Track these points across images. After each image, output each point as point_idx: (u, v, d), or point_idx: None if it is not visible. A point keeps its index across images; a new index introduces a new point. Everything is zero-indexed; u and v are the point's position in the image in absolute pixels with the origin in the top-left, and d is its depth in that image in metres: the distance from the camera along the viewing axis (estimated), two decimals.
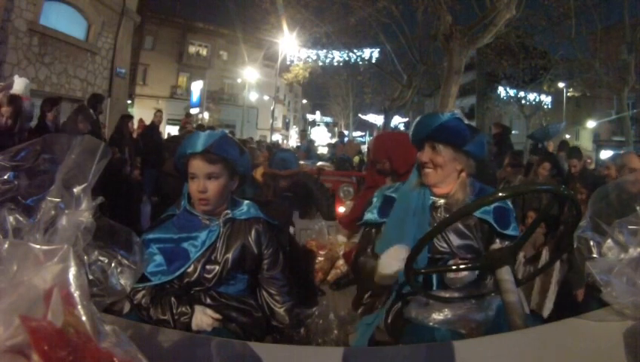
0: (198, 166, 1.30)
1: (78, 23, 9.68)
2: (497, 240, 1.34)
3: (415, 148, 2.45)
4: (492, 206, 1.31)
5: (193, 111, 17.51)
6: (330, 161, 6.62)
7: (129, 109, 16.25)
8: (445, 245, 1.30)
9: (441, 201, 1.35)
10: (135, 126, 6.81)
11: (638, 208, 0.89)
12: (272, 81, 20.85)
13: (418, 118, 1.44)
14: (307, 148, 8.04)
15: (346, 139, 11.65)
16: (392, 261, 1.19)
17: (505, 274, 1.06)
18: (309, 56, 16.70)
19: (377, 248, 1.36)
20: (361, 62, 16.49)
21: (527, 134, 5.56)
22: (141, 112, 16.24)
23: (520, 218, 3.43)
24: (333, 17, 13.19)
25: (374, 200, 1.47)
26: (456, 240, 1.29)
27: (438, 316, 1.19)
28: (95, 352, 0.47)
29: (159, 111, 6.68)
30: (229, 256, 1.32)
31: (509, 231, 1.32)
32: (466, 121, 1.36)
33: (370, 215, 1.44)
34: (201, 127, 7.01)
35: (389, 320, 1.33)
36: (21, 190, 0.61)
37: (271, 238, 1.40)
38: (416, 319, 1.23)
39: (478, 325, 1.18)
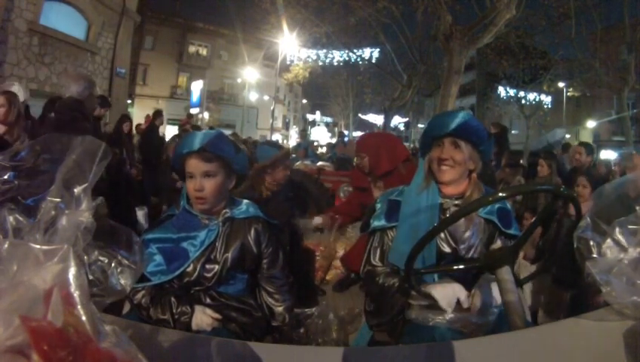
0: (194, 165, 1.31)
1: (78, 23, 9.69)
2: (499, 241, 1.34)
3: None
4: (495, 206, 1.31)
5: (193, 111, 17.52)
6: (330, 161, 6.61)
7: (129, 109, 16.26)
8: (448, 248, 1.29)
9: (451, 203, 1.33)
10: (142, 122, 6.80)
11: (638, 208, 0.89)
12: (272, 81, 20.85)
13: (435, 116, 1.45)
14: (305, 147, 8.00)
15: (346, 138, 11.64)
16: (450, 298, 1.19)
17: (505, 274, 1.06)
18: (309, 56, 16.70)
19: (390, 256, 1.34)
20: (361, 62, 16.50)
21: (532, 150, 5.56)
22: (141, 112, 16.25)
23: (518, 218, 3.43)
24: (333, 17, 13.20)
25: (378, 205, 1.43)
26: (460, 243, 1.29)
27: (439, 317, 1.19)
28: (95, 352, 0.47)
29: (160, 112, 6.63)
30: (229, 255, 1.32)
31: (512, 231, 1.32)
32: None
33: (378, 221, 1.39)
34: (197, 128, 6.98)
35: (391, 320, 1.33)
36: (21, 190, 0.61)
37: (270, 237, 1.40)
38: (417, 320, 1.22)
39: (479, 326, 1.18)
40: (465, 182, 1.35)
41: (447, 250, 1.29)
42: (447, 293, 1.18)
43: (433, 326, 1.19)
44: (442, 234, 1.29)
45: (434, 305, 1.19)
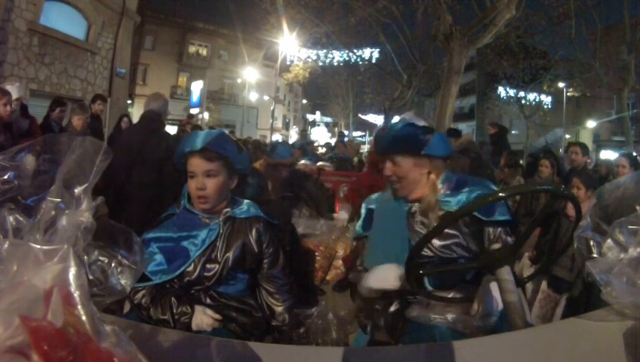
0: (196, 164, 1.31)
1: (78, 23, 9.69)
2: (494, 236, 1.32)
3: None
4: (470, 199, 1.27)
5: (193, 111, 17.54)
6: (330, 161, 6.59)
7: (129, 109, 16.27)
8: (426, 249, 1.25)
9: (416, 206, 1.34)
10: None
11: (638, 208, 0.89)
12: (272, 81, 20.86)
13: (374, 134, 1.48)
14: (301, 145, 7.89)
15: (346, 139, 11.63)
16: (384, 279, 1.22)
17: (505, 274, 1.06)
18: (309, 56, 16.72)
19: (365, 262, 1.37)
20: (361, 62, 16.51)
21: (530, 152, 5.55)
22: (141, 112, 16.23)
23: (522, 216, 3.44)
24: (333, 17, 13.23)
25: (362, 211, 1.49)
26: (437, 242, 1.26)
27: (439, 316, 1.19)
28: (95, 352, 0.46)
29: None
30: (230, 254, 1.32)
31: (496, 217, 1.27)
32: (422, 123, 1.35)
33: (358, 228, 1.47)
34: (197, 128, 6.97)
35: (389, 321, 1.33)
36: (21, 190, 0.61)
37: (272, 237, 1.40)
38: (418, 319, 1.22)
39: (479, 326, 1.17)
40: (424, 186, 1.34)
41: (425, 253, 1.25)
42: (380, 274, 1.22)
43: (434, 326, 1.18)
44: (417, 238, 1.27)
45: (435, 305, 1.19)
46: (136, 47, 18.19)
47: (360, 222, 1.46)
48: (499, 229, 1.29)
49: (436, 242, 1.26)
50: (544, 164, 3.81)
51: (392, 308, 1.30)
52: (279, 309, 1.37)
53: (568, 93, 20.24)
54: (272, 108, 21.52)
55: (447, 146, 1.34)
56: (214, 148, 1.30)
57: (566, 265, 2.52)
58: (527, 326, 1.04)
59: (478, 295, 1.19)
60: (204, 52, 23.98)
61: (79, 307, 0.47)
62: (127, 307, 1.39)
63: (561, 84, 19.51)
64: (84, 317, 0.47)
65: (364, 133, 32.36)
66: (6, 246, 0.50)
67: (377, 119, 25.74)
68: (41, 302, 0.46)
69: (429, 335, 1.16)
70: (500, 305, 1.15)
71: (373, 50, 15.72)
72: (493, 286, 1.19)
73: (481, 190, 1.30)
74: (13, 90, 3.33)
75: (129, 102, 16.79)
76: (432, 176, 1.34)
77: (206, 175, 1.31)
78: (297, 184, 2.91)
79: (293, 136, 31.26)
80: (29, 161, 0.65)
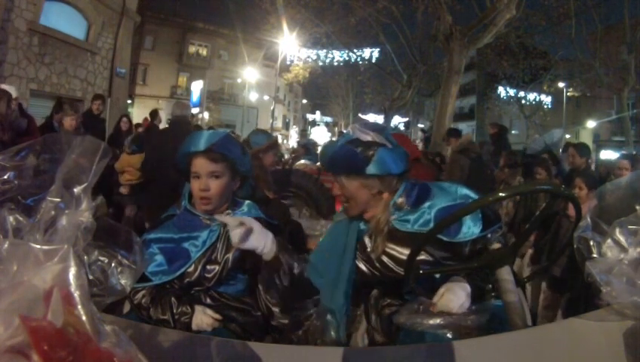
0: (200, 164, 1.30)
1: (78, 23, 9.69)
2: (497, 242, 1.31)
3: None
4: (431, 215, 1.19)
5: (193, 111, 17.53)
6: None
7: (129, 109, 16.28)
8: (390, 272, 1.21)
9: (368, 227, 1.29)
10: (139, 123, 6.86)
11: (638, 208, 0.89)
12: (272, 81, 20.89)
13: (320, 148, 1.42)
14: (305, 144, 7.97)
15: None
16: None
17: (505, 274, 1.06)
18: (309, 56, 16.73)
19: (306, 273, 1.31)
20: (361, 62, 16.52)
21: (528, 152, 5.46)
22: (141, 112, 16.27)
23: (522, 219, 3.43)
24: (333, 17, 13.24)
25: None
26: (399, 259, 1.20)
27: (428, 321, 1.15)
28: (95, 352, 0.46)
29: (157, 111, 6.60)
30: (230, 255, 1.32)
31: (460, 238, 1.16)
32: (368, 138, 1.19)
33: None
34: (197, 128, 7.00)
35: (385, 326, 1.32)
36: (21, 190, 0.61)
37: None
38: (406, 325, 1.19)
39: (470, 331, 1.15)
40: (376, 205, 1.25)
41: (386, 272, 1.21)
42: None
43: (423, 332, 1.16)
44: (359, 256, 1.24)
45: (423, 311, 1.17)
46: (136, 47, 18.20)
47: None
48: (467, 248, 1.20)
49: (399, 259, 1.19)
50: (538, 171, 3.71)
51: (387, 312, 1.29)
52: (278, 309, 1.37)
53: (568, 93, 20.25)
54: (272, 108, 21.54)
55: (398, 162, 1.19)
56: (219, 149, 1.30)
57: (566, 266, 2.52)
58: (527, 326, 1.04)
59: (442, 290, 1.13)
60: (204, 52, 24.00)
61: (79, 307, 0.47)
62: (127, 307, 1.39)
63: (561, 84, 19.52)
64: (84, 317, 0.47)
65: None
66: (6, 246, 0.50)
67: (377, 119, 25.77)
68: (41, 302, 0.46)
69: (421, 340, 1.14)
70: (465, 303, 1.11)
71: (373, 50, 15.75)
72: (457, 285, 1.14)
73: (446, 201, 1.20)
74: (11, 90, 3.35)
75: (129, 102, 16.80)
76: (385, 195, 1.23)
77: (210, 176, 1.30)
78: (283, 171, 2.91)
79: (294, 136, 31.29)
80: (30, 160, 0.65)
